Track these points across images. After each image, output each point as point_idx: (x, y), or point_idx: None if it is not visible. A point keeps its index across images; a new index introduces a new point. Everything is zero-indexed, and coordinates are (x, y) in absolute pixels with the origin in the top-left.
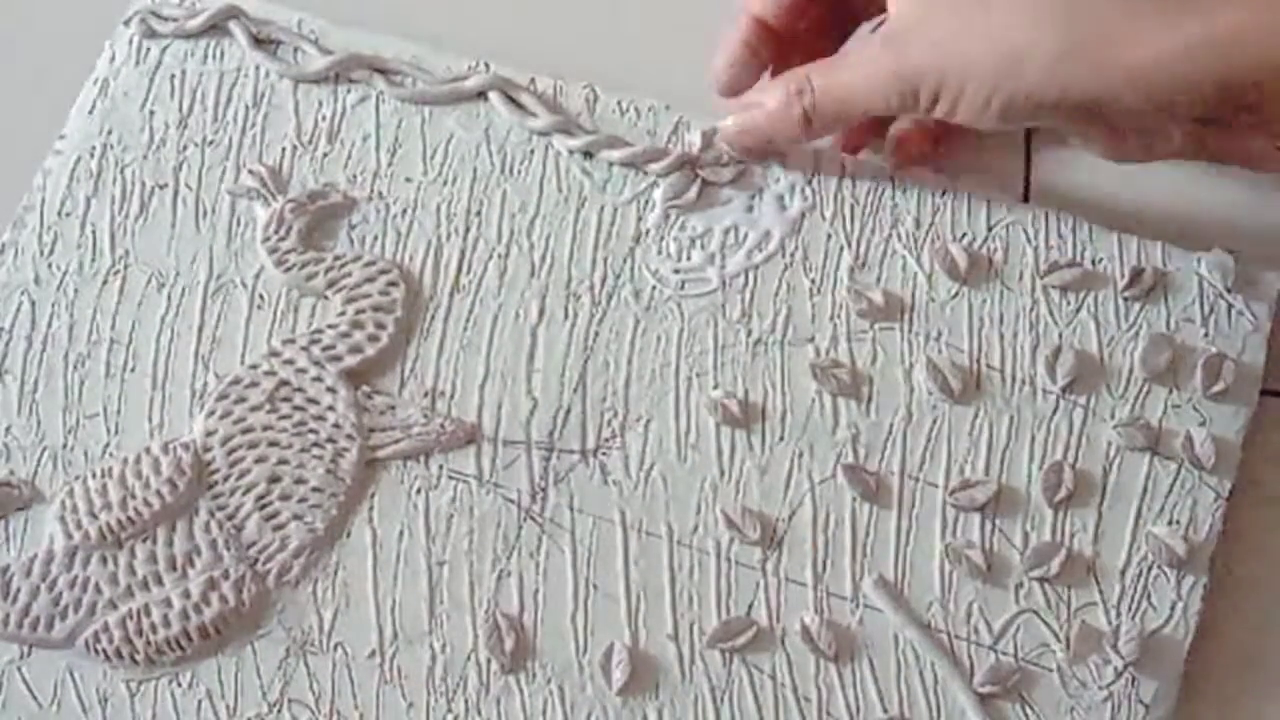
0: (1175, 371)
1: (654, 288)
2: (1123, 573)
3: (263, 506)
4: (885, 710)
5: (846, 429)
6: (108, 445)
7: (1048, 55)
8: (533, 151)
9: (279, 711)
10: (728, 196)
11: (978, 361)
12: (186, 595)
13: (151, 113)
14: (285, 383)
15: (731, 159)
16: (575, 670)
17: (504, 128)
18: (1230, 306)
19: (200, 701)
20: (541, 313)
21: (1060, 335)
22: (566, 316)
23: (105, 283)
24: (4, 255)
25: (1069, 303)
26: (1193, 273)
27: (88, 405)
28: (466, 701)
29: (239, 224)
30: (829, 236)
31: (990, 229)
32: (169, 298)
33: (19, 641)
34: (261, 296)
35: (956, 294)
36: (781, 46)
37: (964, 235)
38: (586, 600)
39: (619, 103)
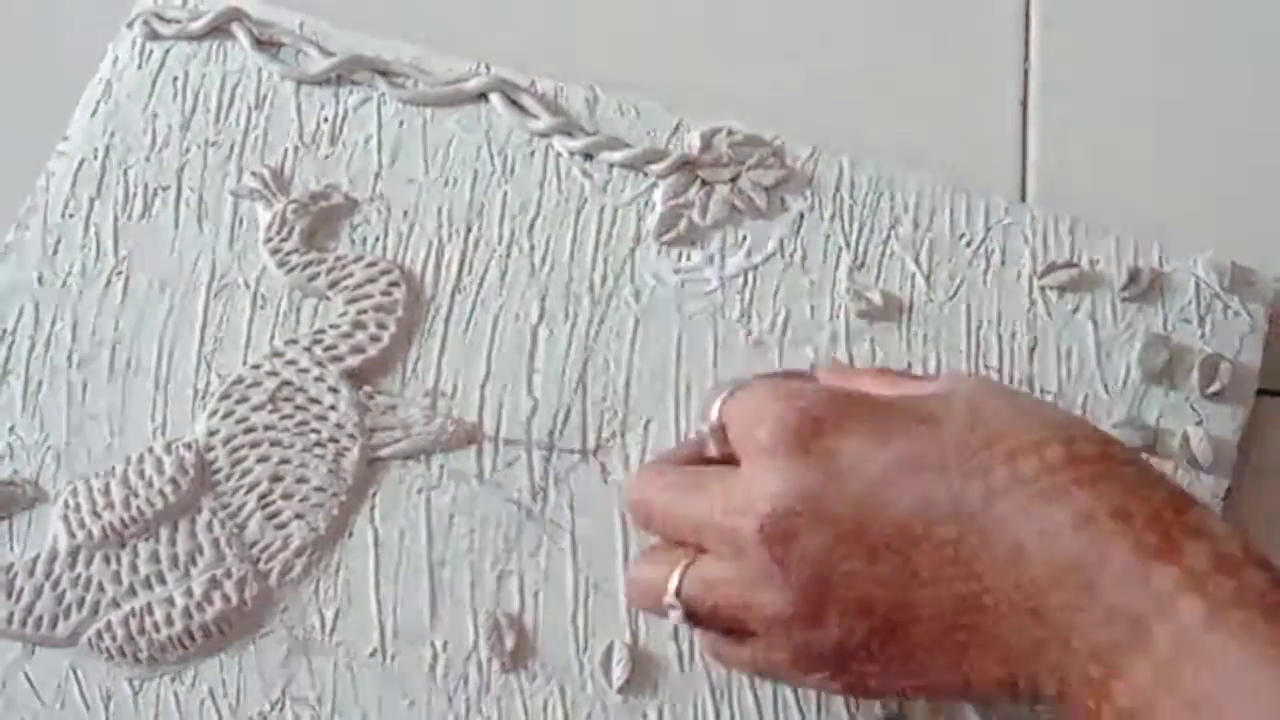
0: (1172, 372)
1: (654, 288)
2: None
3: (265, 506)
4: (885, 710)
5: None
6: (111, 445)
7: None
8: (533, 153)
9: (281, 710)
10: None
11: (976, 362)
12: (189, 594)
13: (154, 114)
14: (287, 383)
15: (731, 160)
16: (575, 669)
17: (505, 129)
18: (1227, 307)
19: (202, 700)
20: (542, 313)
21: (1058, 336)
22: (567, 317)
23: (108, 283)
24: (8, 256)
25: (1066, 303)
26: (1189, 273)
27: (91, 405)
28: (467, 700)
29: (241, 225)
30: (828, 237)
31: (988, 230)
32: (171, 298)
33: (23, 640)
34: (264, 297)
35: (955, 294)
36: None
37: (962, 236)
38: (586, 600)
39: (619, 104)
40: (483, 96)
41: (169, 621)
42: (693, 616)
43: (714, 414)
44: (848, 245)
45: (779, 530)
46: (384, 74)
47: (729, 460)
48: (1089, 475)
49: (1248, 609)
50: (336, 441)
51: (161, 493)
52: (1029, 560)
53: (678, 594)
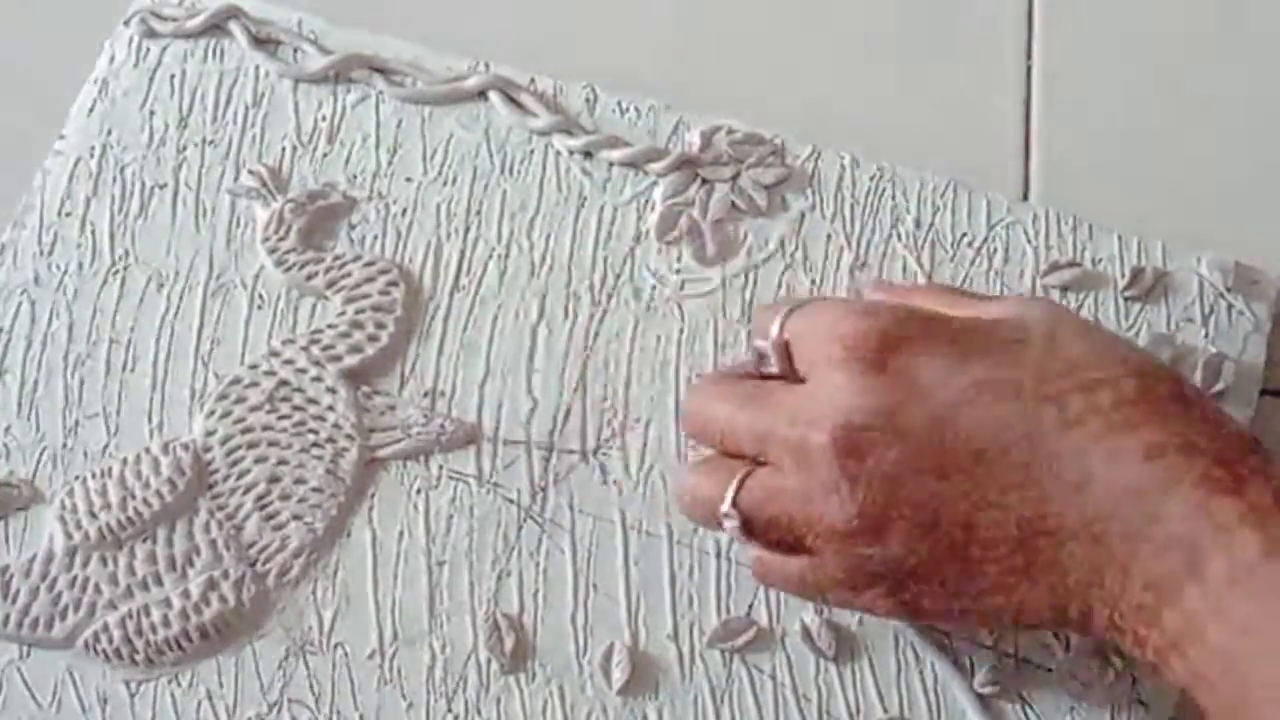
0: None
1: (654, 288)
2: None
3: (262, 506)
4: (885, 710)
5: None
6: (107, 445)
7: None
8: (533, 151)
9: (279, 712)
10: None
11: None
12: (186, 595)
13: (151, 112)
14: (285, 383)
15: (731, 158)
16: (575, 670)
17: (504, 127)
18: (1230, 306)
19: (200, 702)
20: (541, 313)
21: None
22: (566, 316)
23: (105, 283)
24: (4, 255)
25: (1069, 302)
26: (1193, 273)
27: (87, 405)
28: (466, 701)
29: (239, 224)
30: (829, 236)
31: (990, 229)
32: (169, 298)
33: (19, 641)
34: (261, 296)
35: None
36: None
37: (964, 235)
38: (586, 600)
39: (619, 103)
40: (482, 95)
41: (166, 623)
42: (748, 527)
43: (774, 330)
44: (849, 244)
45: (852, 442)
46: (382, 72)
47: (787, 378)
48: (1161, 411)
49: None
50: (334, 442)
51: (158, 493)
52: (1097, 487)
53: (735, 504)
